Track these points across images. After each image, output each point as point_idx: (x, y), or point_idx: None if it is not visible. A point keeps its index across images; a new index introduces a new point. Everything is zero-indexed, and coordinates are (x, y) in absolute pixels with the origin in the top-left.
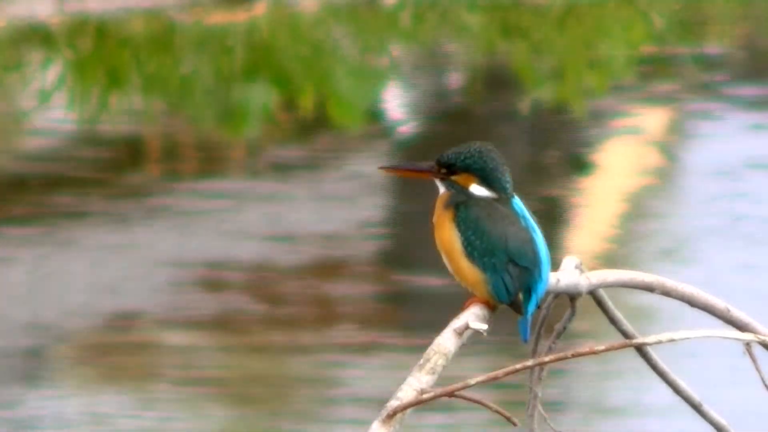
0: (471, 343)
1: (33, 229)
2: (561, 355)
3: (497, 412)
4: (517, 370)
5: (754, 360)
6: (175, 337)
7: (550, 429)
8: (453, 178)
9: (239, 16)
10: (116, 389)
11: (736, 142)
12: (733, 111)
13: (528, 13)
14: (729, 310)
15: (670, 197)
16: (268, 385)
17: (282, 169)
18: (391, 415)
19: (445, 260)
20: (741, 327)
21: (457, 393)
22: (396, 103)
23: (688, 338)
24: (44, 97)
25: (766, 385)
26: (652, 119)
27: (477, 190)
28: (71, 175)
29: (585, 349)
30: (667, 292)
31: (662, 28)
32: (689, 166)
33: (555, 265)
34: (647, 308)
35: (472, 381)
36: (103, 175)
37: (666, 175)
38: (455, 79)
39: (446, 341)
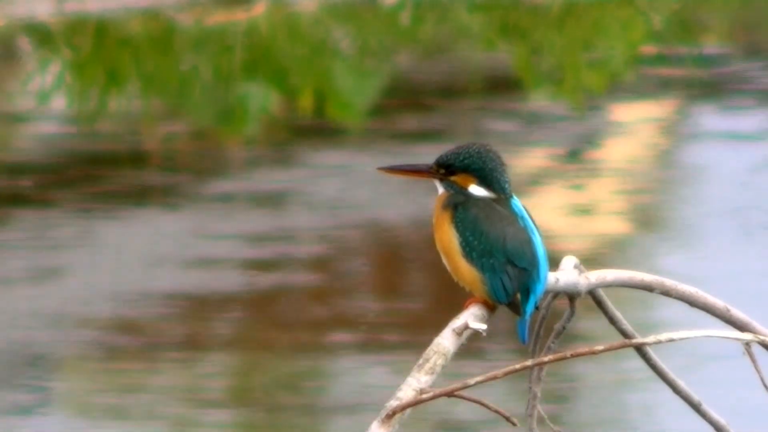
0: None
1: (31, 228)
2: (560, 355)
3: (496, 411)
4: (516, 370)
5: (753, 360)
6: (175, 337)
7: (549, 429)
8: (452, 178)
9: (238, 16)
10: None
11: (735, 141)
12: (732, 111)
13: (528, 13)
14: (729, 310)
15: (669, 196)
16: (266, 385)
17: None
18: (391, 416)
19: (443, 260)
20: (741, 327)
21: (456, 393)
22: None
23: (687, 338)
24: (43, 96)
25: (765, 385)
26: (652, 118)
27: (476, 190)
28: (70, 174)
29: (584, 349)
30: (666, 292)
31: (661, 28)
32: (688, 165)
33: (554, 265)
34: (646, 308)
35: (472, 381)
36: (101, 174)
37: (665, 174)
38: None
39: (445, 341)
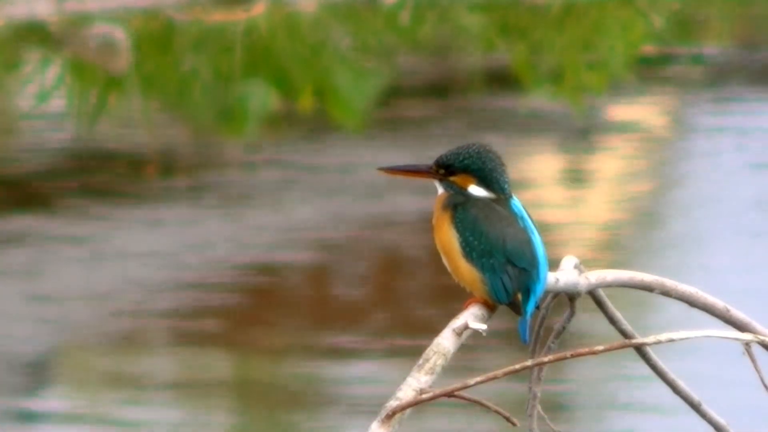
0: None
1: (30, 227)
2: (560, 355)
3: (496, 412)
4: (516, 371)
5: (753, 360)
6: (172, 338)
7: (549, 429)
8: (451, 178)
9: (238, 16)
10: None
11: (735, 142)
12: (731, 111)
13: (528, 13)
14: (728, 310)
15: (669, 197)
16: (265, 385)
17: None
18: (390, 416)
19: (444, 261)
20: (740, 327)
21: (456, 393)
22: None
23: (687, 338)
24: (43, 96)
25: (765, 385)
26: (651, 118)
27: (475, 190)
28: (69, 173)
29: (584, 349)
30: (666, 292)
31: (661, 28)
32: (688, 165)
33: (554, 265)
34: (647, 308)
35: (472, 381)
36: (101, 174)
37: (664, 174)
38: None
39: (445, 341)
